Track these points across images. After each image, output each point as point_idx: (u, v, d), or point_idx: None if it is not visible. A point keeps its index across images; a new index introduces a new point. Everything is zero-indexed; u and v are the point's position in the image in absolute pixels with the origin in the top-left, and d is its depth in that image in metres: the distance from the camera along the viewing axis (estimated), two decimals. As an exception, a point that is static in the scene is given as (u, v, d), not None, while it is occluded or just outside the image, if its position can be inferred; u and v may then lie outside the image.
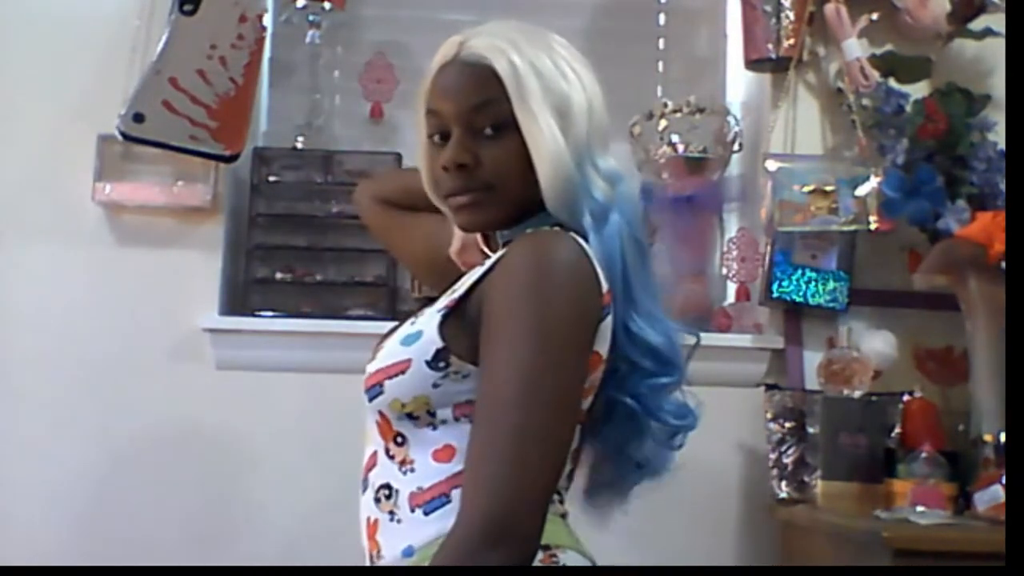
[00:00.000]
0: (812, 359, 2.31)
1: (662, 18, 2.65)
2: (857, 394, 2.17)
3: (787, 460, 2.22)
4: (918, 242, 2.30)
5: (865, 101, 2.35)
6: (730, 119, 2.44)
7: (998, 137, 2.27)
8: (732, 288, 2.47)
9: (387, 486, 1.25)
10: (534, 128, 1.25)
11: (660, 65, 2.63)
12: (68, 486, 2.29)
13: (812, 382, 2.28)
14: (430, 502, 1.22)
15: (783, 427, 2.23)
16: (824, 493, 2.11)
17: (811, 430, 2.18)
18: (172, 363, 2.33)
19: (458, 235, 1.44)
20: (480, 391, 1.17)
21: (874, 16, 2.38)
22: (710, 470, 2.31)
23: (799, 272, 2.34)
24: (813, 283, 2.34)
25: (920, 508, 1.95)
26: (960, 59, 2.44)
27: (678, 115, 2.40)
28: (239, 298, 2.40)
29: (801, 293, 2.34)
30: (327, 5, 2.47)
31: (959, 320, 2.16)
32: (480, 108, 1.26)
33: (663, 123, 2.40)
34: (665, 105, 2.41)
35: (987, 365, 2.07)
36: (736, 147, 2.44)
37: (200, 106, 2.26)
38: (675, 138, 2.40)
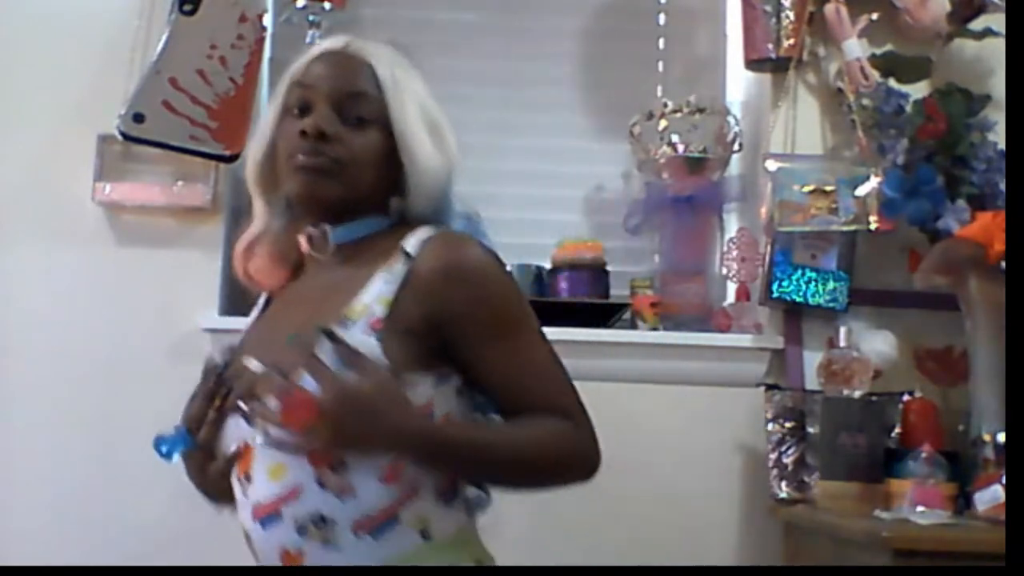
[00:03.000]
0: (812, 359, 2.31)
1: (662, 18, 2.65)
2: (857, 394, 2.16)
3: (787, 460, 2.22)
4: (918, 242, 2.30)
5: (865, 101, 2.35)
6: (730, 119, 2.44)
7: (998, 137, 2.27)
8: (732, 288, 2.46)
9: (318, 516, 1.24)
10: (408, 130, 1.34)
11: (660, 65, 2.64)
12: (68, 486, 2.28)
13: (812, 382, 2.28)
14: (380, 526, 1.23)
15: (783, 427, 2.23)
16: (824, 493, 2.10)
17: (811, 430, 2.17)
18: (172, 363, 2.32)
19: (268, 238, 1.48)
20: (506, 377, 1.30)
21: (874, 16, 2.38)
22: (710, 470, 2.32)
23: (799, 272, 2.34)
24: (813, 283, 2.34)
25: (920, 508, 1.95)
26: (960, 59, 2.44)
27: (678, 115, 2.40)
28: (239, 298, 2.40)
29: (801, 293, 2.33)
30: (327, 5, 2.47)
31: (959, 320, 2.16)
32: (354, 97, 1.35)
33: (663, 123, 2.41)
34: (665, 105, 2.42)
35: (987, 365, 2.06)
36: (736, 147, 2.44)
37: (200, 106, 2.26)
38: (675, 138, 2.40)
